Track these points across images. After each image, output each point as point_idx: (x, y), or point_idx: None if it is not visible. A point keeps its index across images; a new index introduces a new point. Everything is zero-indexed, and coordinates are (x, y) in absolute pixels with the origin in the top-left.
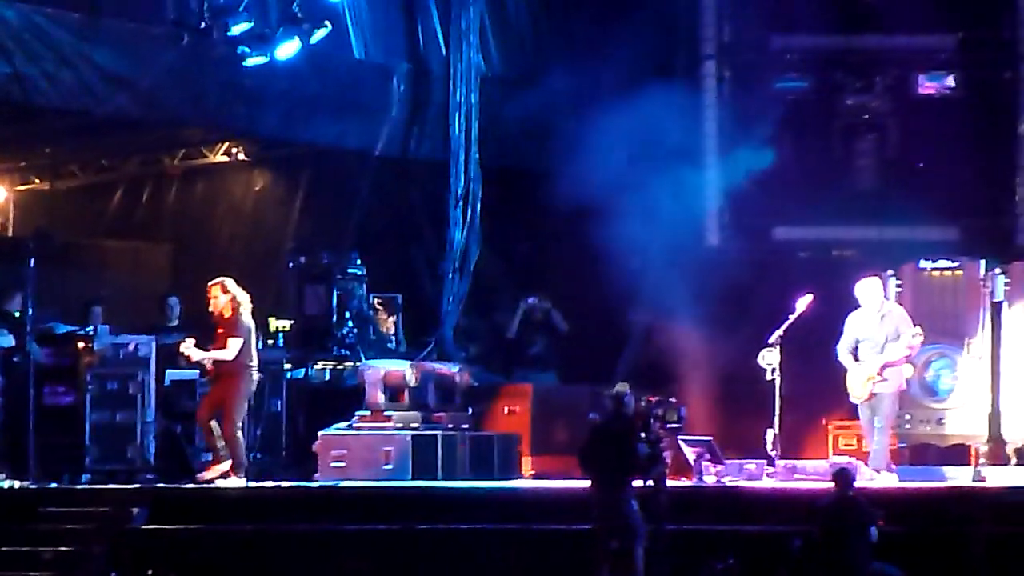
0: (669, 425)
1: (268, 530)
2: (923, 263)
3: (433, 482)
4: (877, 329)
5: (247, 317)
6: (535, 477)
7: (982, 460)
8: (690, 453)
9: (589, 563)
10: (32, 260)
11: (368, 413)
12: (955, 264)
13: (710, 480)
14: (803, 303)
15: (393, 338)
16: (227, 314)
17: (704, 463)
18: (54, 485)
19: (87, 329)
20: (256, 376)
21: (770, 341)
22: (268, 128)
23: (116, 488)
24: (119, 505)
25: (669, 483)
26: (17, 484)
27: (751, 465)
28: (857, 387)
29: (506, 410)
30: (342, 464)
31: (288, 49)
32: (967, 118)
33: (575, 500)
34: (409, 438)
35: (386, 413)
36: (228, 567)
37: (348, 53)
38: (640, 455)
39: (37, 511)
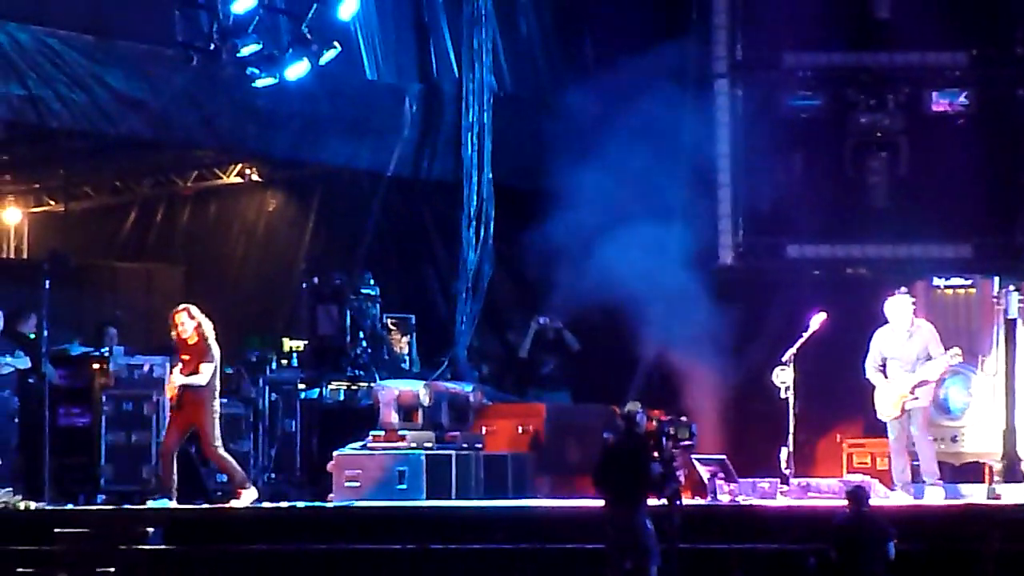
0: (682, 443)
1: (282, 550)
2: (936, 281)
3: (447, 501)
4: (906, 347)
5: (214, 342)
6: (548, 496)
7: (996, 478)
8: (704, 472)
9: None
10: (47, 282)
11: (382, 433)
12: (968, 282)
13: (724, 499)
14: (817, 321)
15: (407, 358)
16: (194, 340)
17: (718, 481)
18: (69, 506)
19: (102, 350)
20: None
21: (784, 359)
22: (280, 149)
23: (131, 509)
24: (134, 526)
25: (683, 502)
26: (33, 505)
27: (765, 484)
28: (887, 406)
29: (520, 430)
30: (356, 484)
31: (298, 70)
32: (980, 135)
33: (589, 519)
34: (423, 458)
35: (400, 433)
36: None
37: (360, 74)
38: (653, 474)
39: (53, 532)
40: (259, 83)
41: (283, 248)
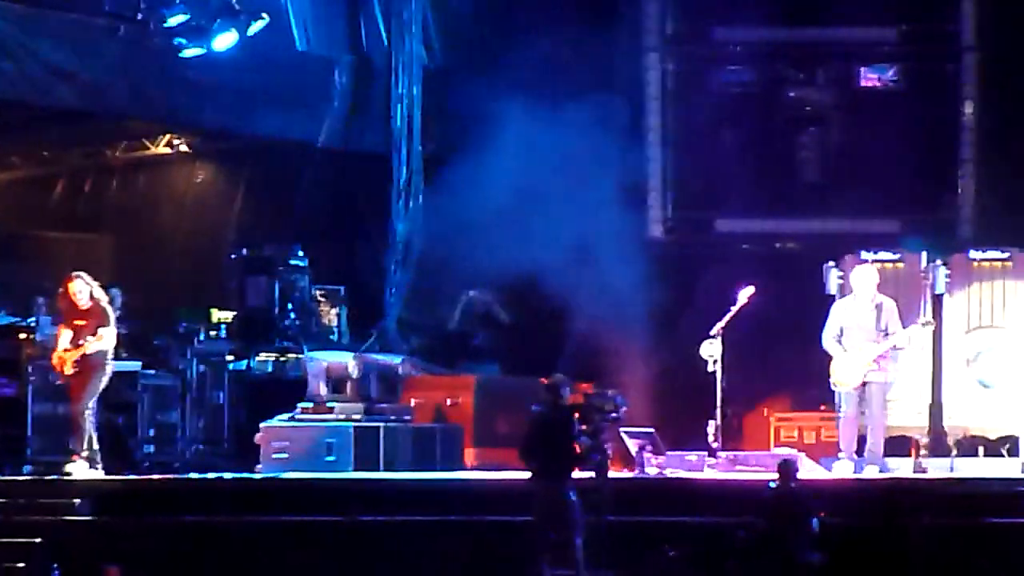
0: (610, 416)
1: (210, 522)
2: (864, 255)
3: (375, 473)
4: (869, 317)
5: (108, 304)
6: (477, 468)
7: (923, 452)
8: (632, 445)
9: (530, 554)
10: None
11: (310, 405)
12: (896, 256)
13: (652, 471)
14: (745, 295)
15: (336, 330)
16: (89, 306)
17: (646, 454)
18: None
19: (29, 320)
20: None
21: (712, 333)
22: (210, 120)
23: (58, 480)
24: (61, 497)
25: (611, 474)
26: None
27: (692, 457)
28: (847, 375)
29: (448, 402)
30: (284, 455)
31: (225, 41)
32: (910, 110)
33: (517, 491)
34: (351, 429)
35: (328, 405)
36: (170, 558)
37: (290, 45)
38: (578, 446)
39: None
40: (186, 53)
41: (212, 219)
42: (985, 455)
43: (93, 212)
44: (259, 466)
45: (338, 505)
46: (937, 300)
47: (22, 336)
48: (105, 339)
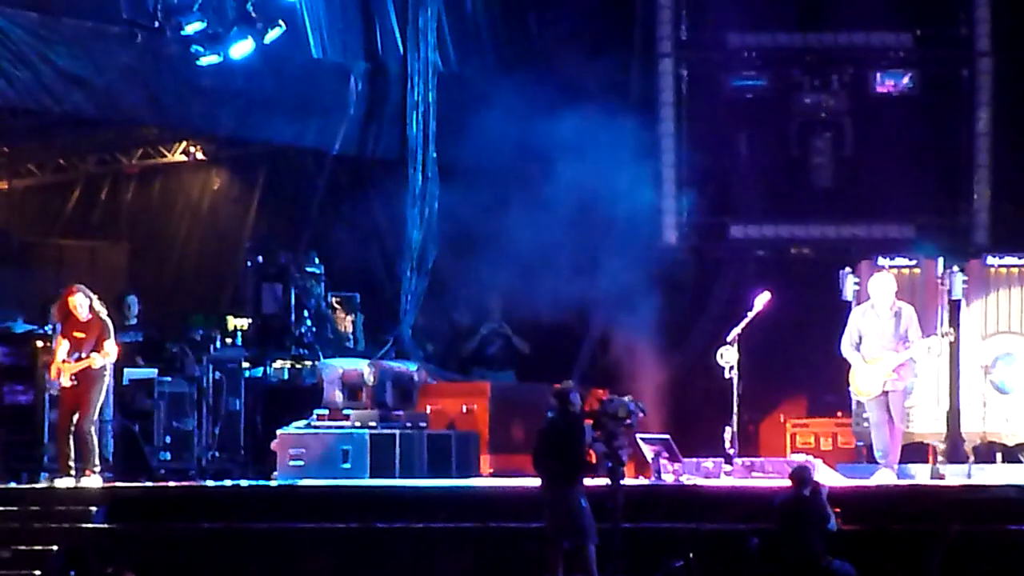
0: (625, 422)
1: (226, 529)
2: (881, 261)
3: (391, 480)
4: (888, 326)
5: (107, 317)
6: (493, 475)
7: (940, 459)
8: (648, 451)
9: (544, 562)
10: None
11: (326, 412)
12: (913, 262)
13: (668, 478)
14: (761, 301)
15: (351, 337)
16: (87, 317)
17: (662, 461)
18: (12, 484)
19: (45, 328)
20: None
21: (728, 339)
22: (225, 127)
23: (74, 487)
24: (78, 504)
25: (626, 481)
26: None
27: (709, 463)
28: (868, 384)
29: (464, 408)
30: (300, 463)
31: (242, 48)
32: (924, 116)
33: (531, 498)
34: (367, 436)
35: (344, 412)
36: (186, 566)
37: (305, 52)
38: (592, 452)
39: None
40: (203, 61)
41: (228, 226)
42: (1003, 461)
43: (109, 219)
44: (275, 473)
45: (354, 512)
46: (954, 306)
47: (38, 344)
48: (111, 354)
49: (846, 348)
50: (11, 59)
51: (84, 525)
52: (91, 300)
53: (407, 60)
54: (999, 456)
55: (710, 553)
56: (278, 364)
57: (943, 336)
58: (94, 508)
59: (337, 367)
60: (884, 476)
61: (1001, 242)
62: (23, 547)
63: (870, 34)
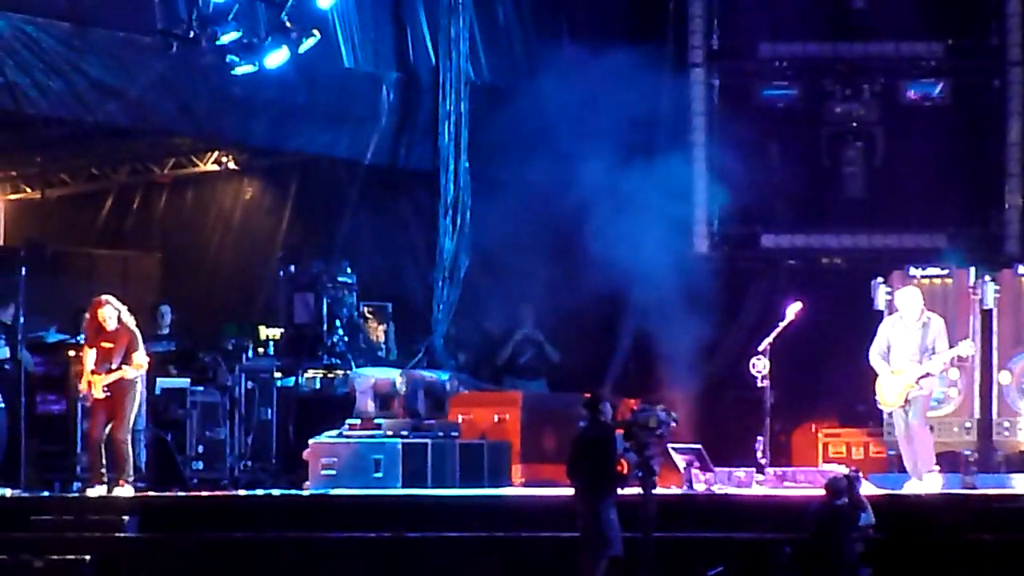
0: (657, 432)
1: (258, 538)
2: (912, 270)
3: (423, 490)
4: (915, 338)
5: (135, 327)
6: (525, 485)
7: (972, 468)
8: (680, 461)
9: (578, 572)
10: (23, 269)
11: (358, 421)
12: (944, 271)
13: (700, 488)
14: (792, 311)
15: (383, 346)
16: (117, 329)
17: (694, 471)
18: (45, 494)
19: (78, 337)
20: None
21: (760, 349)
22: (258, 137)
23: (107, 496)
24: (110, 513)
25: (658, 491)
26: (8, 493)
27: (740, 473)
28: (891, 395)
29: (496, 418)
30: (332, 472)
31: (277, 58)
32: (955, 125)
33: (563, 508)
34: (399, 446)
35: (376, 421)
36: (218, 575)
37: (337, 62)
38: (624, 462)
39: (29, 520)
40: (238, 71)
41: (260, 236)
42: None
43: (141, 229)
44: (307, 483)
45: (386, 521)
46: (986, 315)
47: (70, 353)
48: (142, 365)
49: (874, 357)
50: (44, 69)
51: (116, 534)
52: (119, 312)
53: (439, 70)
54: None
55: (742, 563)
56: (310, 374)
57: (965, 349)
58: (126, 518)
59: (369, 377)
60: (913, 486)
61: None
62: (55, 556)
63: (901, 44)
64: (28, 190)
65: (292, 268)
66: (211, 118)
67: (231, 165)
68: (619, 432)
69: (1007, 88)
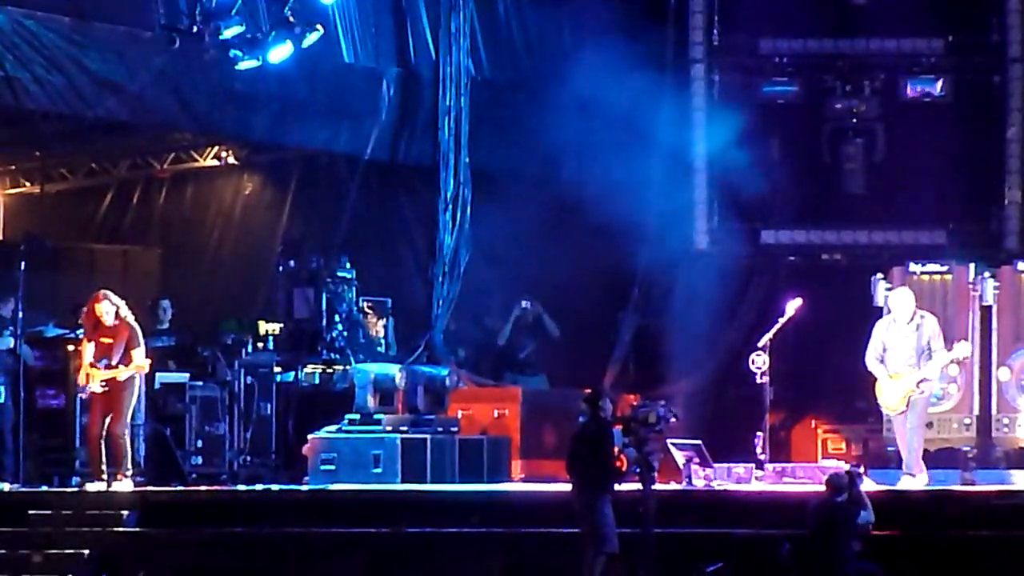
0: (656, 428)
1: (258, 533)
2: (912, 267)
3: (422, 485)
4: (910, 339)
5: (135, 322)
6: (524, 481)
7: (971, 464)
8: (679, 456)
9: (578, 567)
10: (23, 264)
11: (357, 416)
12: (944, 268)
13: (699, 483)
14: (792, 307)
15: (383, 341)
16: (115, 324)
17: (693, 466)
18: (44, 488)
19: (77, 332)
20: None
21: (759, 345)
22: (258, 132)
23: (106, 491)
24: (109, 508)
25: (657, 486)
26: (7, 487)
27: (740, 469)
28: (893, 400)
29: (496, 413)
30: (332, 467)
31: (280, 53)
32: (955, 122)
33: (563, 504)
34: (398, 441)
35: (375, 416)
36: (218, 570)
37: (338, 57)
38: (624, 458)
39: (27, 514)
40: (242, 66)
41: (260, 231)
42: None
43: (141, 224)
44: (306, 478)
45: (385, 517)
46: (986, 312)
47: (70, 348)
48: (142, 364)
49: (871, 361)
50: (44, 64)
51: (116, 529)
52: (118, 307)
53: (439, 65)
54: None
55: (741, 559)
56: (310, 369)
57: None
58: (126, 512)
59: (369, 372)
60: (907, 482)
61: None
62: (55, 551)
63: (902, 40)
64: (28, 184)
65: (292, 263)
66: (211, 113)
67: (231, 160)
68: (618, 428)
69: (1007, 85)
